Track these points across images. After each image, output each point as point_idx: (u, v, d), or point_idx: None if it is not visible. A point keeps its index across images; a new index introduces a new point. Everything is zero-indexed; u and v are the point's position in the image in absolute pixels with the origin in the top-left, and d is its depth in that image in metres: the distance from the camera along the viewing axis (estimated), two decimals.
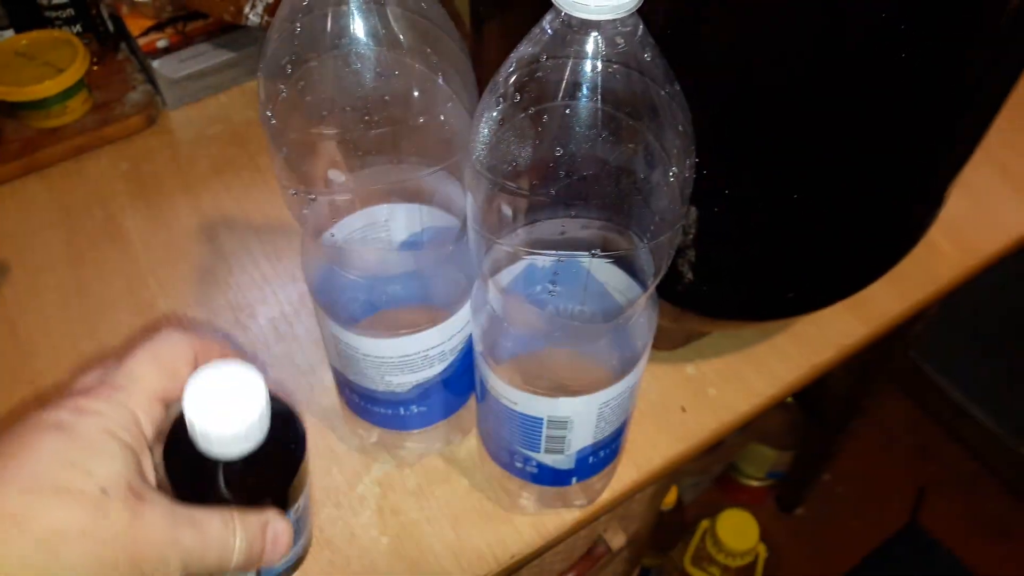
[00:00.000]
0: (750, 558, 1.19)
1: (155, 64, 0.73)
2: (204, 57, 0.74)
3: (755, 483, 1.34)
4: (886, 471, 1.44)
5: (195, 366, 0.34)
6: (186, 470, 0.34)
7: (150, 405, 0.33)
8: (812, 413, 1.22)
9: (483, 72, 0.35)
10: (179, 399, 0.33)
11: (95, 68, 0.75)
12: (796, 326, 0.61)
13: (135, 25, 0.74)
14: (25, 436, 0.30)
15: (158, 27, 0.74)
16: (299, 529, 0.39)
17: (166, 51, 0.73)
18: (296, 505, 0.38)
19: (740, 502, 1.37)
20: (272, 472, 0.36)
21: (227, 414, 0.32)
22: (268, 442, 0.34)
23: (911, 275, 0.64)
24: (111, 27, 0.77)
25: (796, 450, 1.27)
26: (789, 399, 1.27)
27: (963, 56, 0.38)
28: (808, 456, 1.27)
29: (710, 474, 1.33)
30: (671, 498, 1.13)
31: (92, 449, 0.30)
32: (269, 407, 0.33)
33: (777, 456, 1.27)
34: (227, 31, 0.74)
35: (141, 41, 0.73)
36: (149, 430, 0.33)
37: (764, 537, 1.23)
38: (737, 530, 1.17)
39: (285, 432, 0.36)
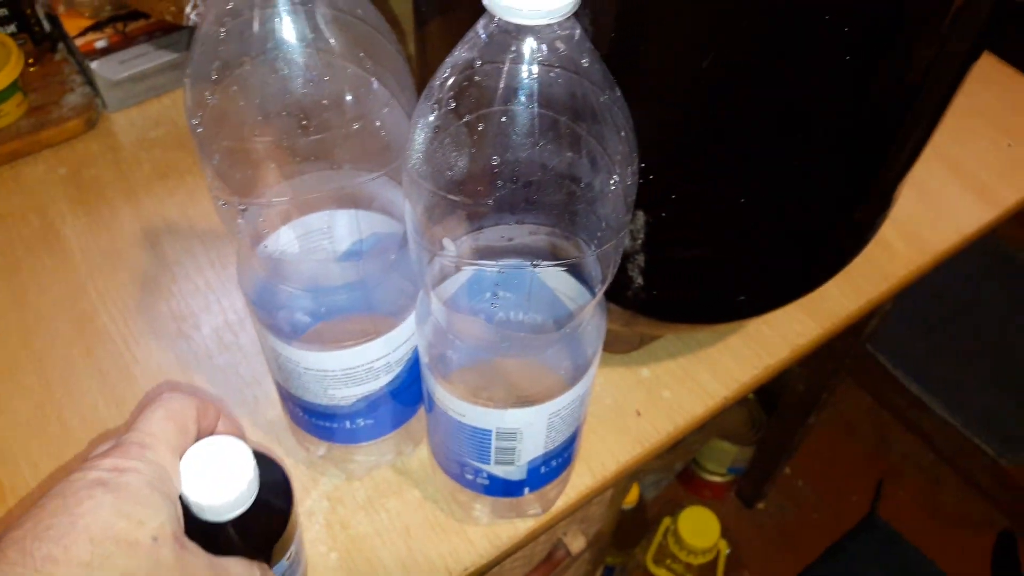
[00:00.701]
0: (712, 555, 1.19)
1: (94, 65, 0.70)
2: (145, 58, 0.72)
3: (717, 478, 1.34)
4: (846, 464, 1.46)
5: (199, 423, 0.38)
6: (188, 533, 0.38)
7: (173, 459, 0.36)
8: (771, 408, 1.23)
9: (426, 74, 0.34)
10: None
11: (31, 70, 0.73)
12: (750, 327, 0.61)
13: (73, 25, 0.72)
14: (76, 494, 0.32)
15: (97, 27, 0.71)
16: (292, 572, 0.44)
17: (105, 52, 0.71)
18: (289, 551, 0.42)
19: (702, 498, 1.37)
20: (264, 527, 0.40)
21: (217, 488, 0.36)
22: (258, 500, 0.38)
23: (864, 273, 0.64)
24: (47, 27, 0.74)
25: (757, 445, 1.28)
26: (749, 395, 1.28)
27: (907, 57, 0.38)
28: (768, 451, 1.28)
29: (672, 471, 1.33)
30: (632, 496, 1.13)
31: (140, 501, 0.33)
32: (256, 473, 0.37)
33: (738, 451, 1.28)
34: (169, 31, 0.72)
35: (79, 41, 0.71)
36: (177, 482, 0.36)
37: (726, 532, 1.23)
38: (698, 528, 1.17)
39: (274, 488, 0.40)
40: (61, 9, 0.72)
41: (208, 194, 0.67)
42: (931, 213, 0.69)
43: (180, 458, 0.37)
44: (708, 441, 1.25)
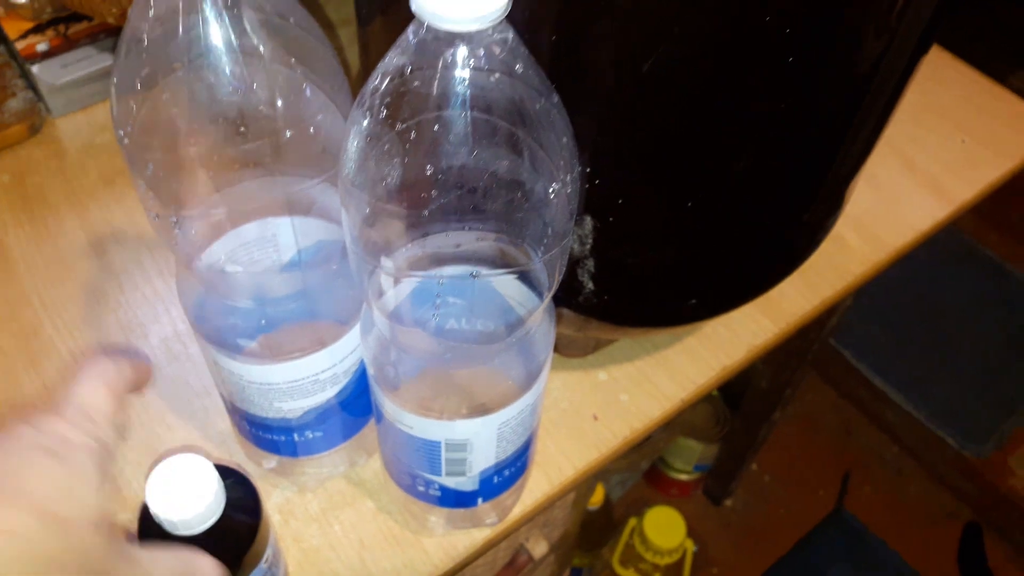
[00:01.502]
0: (678, 555, 1.19)
1: (35, 69, 0.68)
2: (89, 61, 0.70)
3: (683, 476, 1.35)
4: (811, 459, 1.47)
5: (128, 389, 0.37)
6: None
7: (113, 435, 0.35)
8: (736, 405, 1.23)
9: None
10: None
11: None
12: (707, 328, 0.61)
13: (12, 28, 0.70)
14: (22, 456, 0.31)
15: (38, 29, 0.70)
16: (274, 574, 0.45)
17: (47, 55, 0.69)
18: (266, 555, 0.43)
19: (669, 496, 1.38)
20: (234, 537, 0.41)
21: (184, 503, 0.38)
22: (227, 512, 0.40)
23: (820, 272, 0.64)
24: None
25: (722, 442, 1.28)
26: (714, 392, 1.28)
27: (853, 54, 0.37)
28: (734, 447, 1.28)
29: (638, 470, 1.33)
30: (597, 497, 1.13)
31: (86, 482, 0.32)
32: (221, 485, 0.39)
33: (704, 449, 1.28)
34: (112, 34, 0.70)
35: (19, 45, 0.69)
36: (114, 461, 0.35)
37: (693, 530, 1.24)
38: (664, 528, 1.17)
39: (241, 498, 0.41)
40: (0, 11, 0.70)
41: None
42: (886, 210, 0.69)
43: (117, 434, 0.36)
44: (674, 439, 1.25)
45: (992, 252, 1.57)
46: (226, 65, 0.31)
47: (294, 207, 0.38)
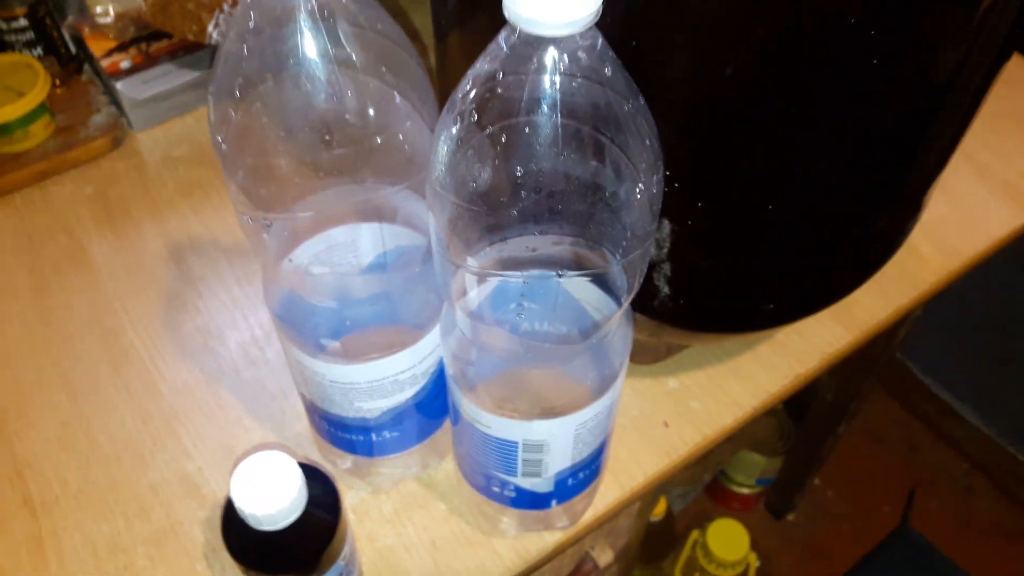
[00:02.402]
0: (741, 568, 1.18)
1: (119, 85, 0.71)
2: (169, 77, 0.72)
3: (745, 490, 1.33)
4: (876, 474, 1.44)
5: None
6: (243, 541, 0.42)
7: None
8: (800, 418, 1.21)
9: (447, 86, 0.34)
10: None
11: (58, 91, 0.73)
12: (779, 335, 0.60)
13: (97, 46, 0.73)
14: None
15: (121, 48, 0.72)
16: (349, 572, 0.46)
17: (130, 72, 0.72)
18: (343, 553, 0.44)
19: (730, 510, 1.36)
20: (315, 533, 0.42)
21: (268, 498, 0.39)
22: (308, 509, 0.41)
23: (894, 280, 0.63)
24: (73, 49, 0.75)
25: (785, 456, 1.26)
26: (778, 406, 1.26)
27: (935, 60, 0.37)
28: (797, 461, 1.26)
29: (699, 483, 1.32)
30: (660, 509, 1.12)
31: None
32: (304, 482, 0.40)
33: (766, 462, 1.26)
34: (191, 50, 0.73)
35: (104, 62, 0.72)
36: None
37: (755, 545, 1.22)
38: (727, 540, 1.16)
39: (322, 497, 0.43)
40: (87, 31, 0.73)
41: (232, 210, 0.68)
42: (961, 218, 0.68)
43: None
44: (736, 452, 1.23)
45: None
46: (320, 74, 0.32)
47: (379, 214, 0.40)
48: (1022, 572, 1.34)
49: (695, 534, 1.20)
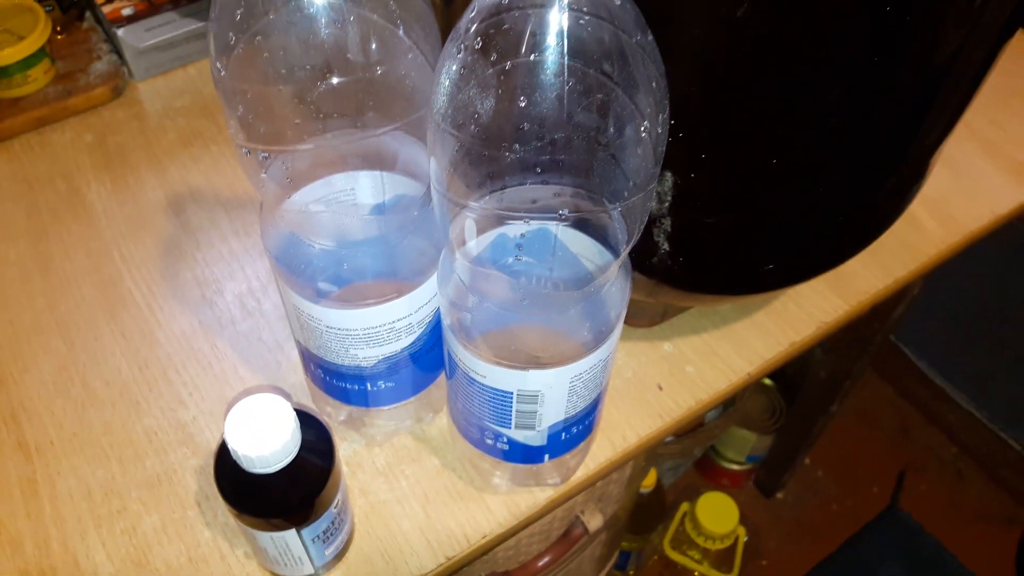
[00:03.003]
0: (730, 541, 1.18)
1: (120, 33, 0.70)
2: (171, 26, 0.72)
3: (735, 467, 1.33)
4: (866, 455, 1.44)
5: None
6: (236, 485, 0.42)
7: None
8: (792, 396, 1.22)
9: (451, 27, 0.34)
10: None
11: (58, 37, 0.73)
12: (776, 303, 0.60)
13: None
14: None
15: None
16: (342, 521, 0.46)
17: (132, 19, 0.71)
18: (336, 499, 0.44)
19: (720, 486, 1.37)
20: (308, 478, 0.42)
21: (262, 440, 0.39)
22: (302, 453, 0.41)
23: (893, 251, 0.63)
24: None
25: (776, 434, 1.26)
26: (769, 382, 1.27)
27: (943, 27, 0.37)
28: (788, 440, 1.26)
29: (690, 457, 1.32)
30: (650, 480, 1.12)
31: None
32: (298, 425, 0.40)
33: (757, 440, 1.27)
34: (195, 0, 0.72)
35: (106, 9, 0.71)
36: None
37: (744, 521, 1.22)
38: (717, 513, 1.17)
39: (316, 442, 0.42)
40: None
41: (232, 163, 0.68)
42: (963, 192, 0.68)
43: None
44: (727, 428, 1.24)
45: None
46: (325, 2, 0.31)
47: (379, 160, 0.39)
48: (1008, 556, 1.35)
49: (685, 506, 1.21)
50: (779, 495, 1.39)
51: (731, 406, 1.15)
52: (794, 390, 1.20)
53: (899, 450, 1.45)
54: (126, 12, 0.71)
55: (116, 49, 0.72)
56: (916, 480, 1.42)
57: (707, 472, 1.37)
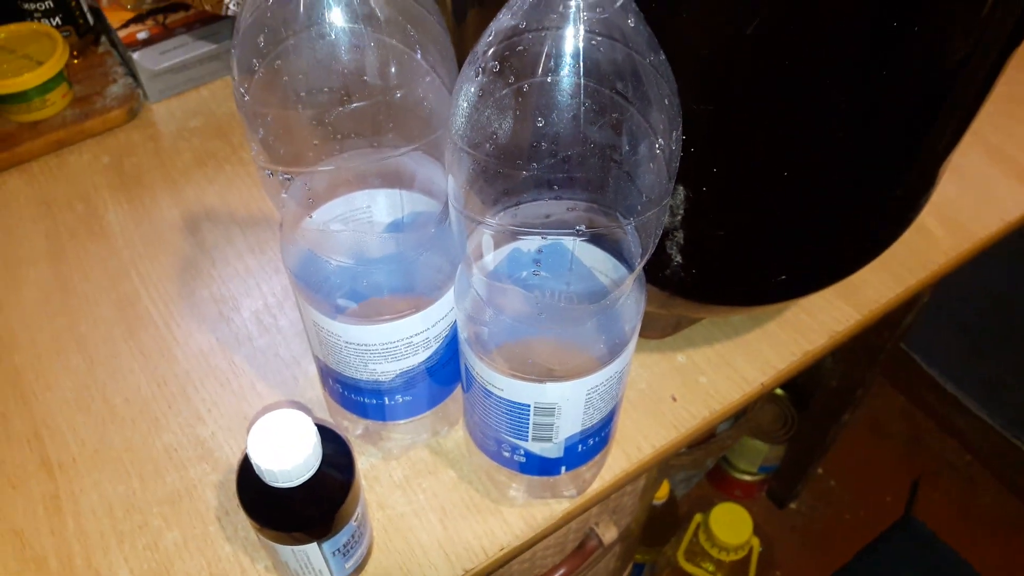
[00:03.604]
0: (744, 552, 1.18)
1: (135, 56, 0.72)
2: (185, 49, 0.73)
3: (748, 477, 1.33)
4: (879, 464, 1.44)
5: None
6: (258, 499, 0.42)
7: None
8: (804, 406, 1.22)
9: (464, 57, 0.35)
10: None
11: (75, 61, 0.74)
12: (787, 313, 0.61)
13: (115, 17, 0.73)
14: None
15: (138, 19, 0.73)
16: (361, 534, 0.46)
17: (147, 43, 0.72)
18: (355, 514, 0.44)
19: (733, 497, 1.36)
20: (328, 492, 0.43)
21: (284, 455, 0.40)
22: (323, 468, 0.41)
23: (904, 260, 0.64)
24: (91, 20, 0.76)
25: (788, 443, 1.26)
26: (780, 392, 1.27)
27: (950, 35, 0.38)
28: (800, 449, 1.26)
29: (702, 468, 1.32)
30: (663, 492, 1.13)
31: None
32: (319, 440, 0.41)
33: (769, 450, 1.27)
34: (208, 22, 0.73)
35: (121, 33, 0.72)
36: None
37: (757, 532, 1.22)
38: (730, 524, 1.17)
39: (337, 457, 0.43)
40: (104, 2, 0.74)
41: (247, 181, 0.69)
42: (972, 200, 0.68)
43: None
44: (739, 438, 1.24)
45: None
46: (345, 31, 0.32)
47: (397, 179, 0.40)
48: (1023, 564, 1.35)
49: (698, 517, 1.21)
50: (792, 505, 1.39)
51: (743, 416, 1.15)
52: (805, 399, 1.20)
53: (912, 458, 1.45)
54: (141, 36, 0.72)
55: (131, 72, 0.74)
56: (929, 488, 1.41)
57: (720, 483, 1.37)
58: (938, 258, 0.64)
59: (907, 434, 1.48)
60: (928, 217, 0.66)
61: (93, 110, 0.71)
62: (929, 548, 1.31)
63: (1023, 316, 1.46)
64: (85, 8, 0.75)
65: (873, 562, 1.31)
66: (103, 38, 0.77)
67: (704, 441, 1.11)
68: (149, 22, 0.73)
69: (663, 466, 0.81)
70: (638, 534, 0.92)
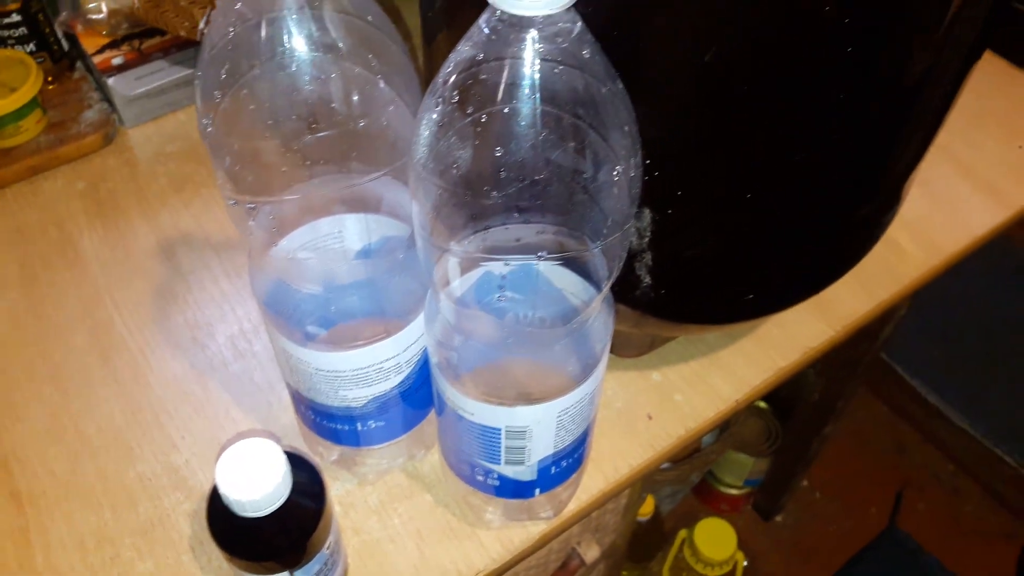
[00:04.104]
0: (728, 567, 1.18)
1: (111, 82, 0.72)
2: (161, 74, 0.73)
3: (733, 491, 1.33)
4: (864, 475, 1.45)
5: None
6: (228, 529, 0.42)
7: None
8: (787, 418, 1.22)
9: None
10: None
11: (50, 87, 0.74)
12: (761, 329, 0.61)
13: (90, 43, 0.73)
14: None
15: (113, 44, 0.73)
16: (334, 562, 0.46)
17: (122, 68, 0.72)
18: (328, 542, 0.44)
19: (719, 511, 1.37)
20: (299, 521, 0.42)
21: (253, 484, 0.39)
22: (293, 496, 0.41)
23: (875, 276, 0.64)
24: (66, 45, 0.76)
25: (773, 456, 1.27)
26: (764, 405, 1.27)
27: (909, 52, 0.38)
28: (785, 462, 1.27)
29: (688, 483, 1.32)
30: (648, 508, 1.13)
31: None
32: (288, 469, 0.41)
33: (754, 463, 1.27)
34: (184, 47, 0.74)
35: (96, 59, 0.72)
36: None
37: (743, 545, 1.22)
38: (715, 539, 1.17)
39: (307, 485, 0.43)
40: (79, 28, 0.74)
41: (223, 206, 0.69)
42: (942, 215, 0.69)
43: None
44: (724, 452, 1.24)
45: None
46: (306, 61, 0.32)
47: (364, 204, 0.40)
48: (1008, 572, 1.35)
49: (683, 533, 1.21)
50: (778, 518, 1.39)
51: (726, 430, 1.15)
52: (789, 412, 1.21)
53: (896, 469, 1.46)
54: (116, 62, 0.72)
55: (107, 97, 0.74)
56: (914, 499, 1.42)
57: (706, 497, 1.37)
58: (910, 273, 0.65)
59: (891, 445, 1.49)
60: (899, 233, 0.67)
61: (68, 136, 0.71)
62: (914, 559, 1.32)
63: (1002, 325, 1.47)
64: (60, 34, 0.75)
65: (859, 574, 1.31)
66: (78, 64, 0.77)
67: (688, 456, 1.11)
68: (124, 47, 0.73)
69: (647, 482, 0.81)
70: (623, 551, 0.92)
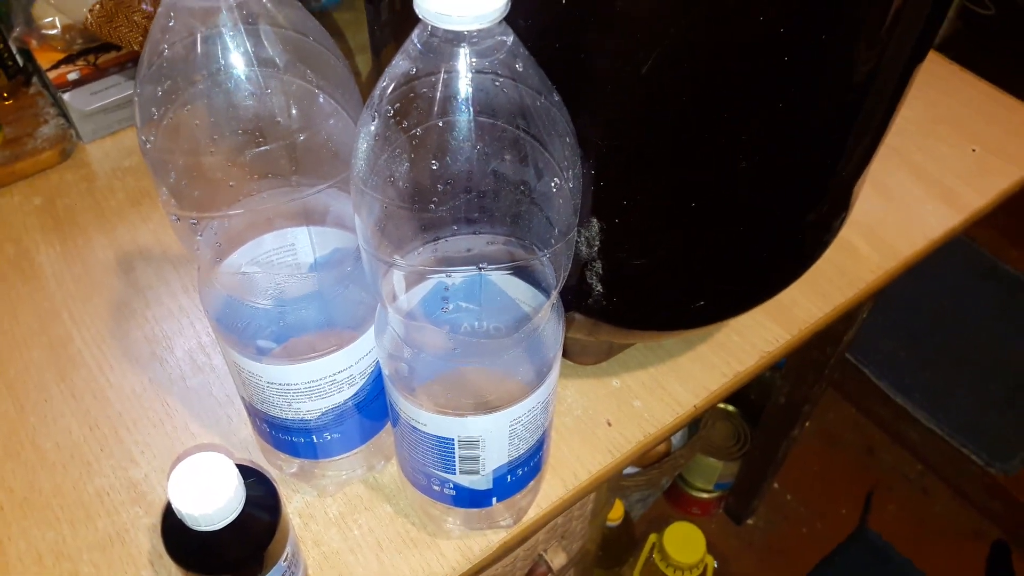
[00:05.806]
0: (699, 571, 1.19)
1: (66, 97, 0.71)
2: (117, 89, 0.73)
3: (704, 495, 1.34)
4: (834, 476, 1.46)
5: None
6: (183, 543, 0.42)
7: None
8: (755, 422, 1.23)
9: None
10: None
11: (5, 103, 0.73)
12: (719, 335, 0.62)
13: (45, 58, 0.73)
14: None
15: (69, 59, 0.72)
16: (293, 574, 0.46)
17: (77, 83, 0.72)
18: (285, 553, 0.44)
19: (690, 515, 1.37)
20: (254, 533, 0.42)
21: (206, 498, 0.39)
22: (247, 509, 0.41)
23: (832, 279, 0.65)
24: (20, 61, 0.75)
25: (743, 460, 1.28)
26: (732, 408, 1.28)
27: (849, 55, 0.39)
28: (755, 465, 1.27)
29: (657, 488, 1.33)
30: (617, 513, 1.13)
31: None
32: (241, 481, 0.41)
33: (724, 467, 1.28)
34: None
35: (52, 74, 0.72)
36: None
37: (716, 549, 1.23)
38: (684, 543, 1.17)
39: (261, 497, 0.43)
40: (34, 43, 0.73)
41: None
42: (897, 219, 0.70)
43: None
44: (693, 456, 1.25)
45: (1012, 268, 1.56)
46: (244, 76, 0.32)
47: (311, 217, 0.40)
48: (977, 570, 1.37)
49: (652, 538, 1.21)
50: (749, 521, 1.40)
51: (695, 434, 1.16)
52: (758, 415, 1.21)
53: (866, 470, 1.47)
54: (72, 77, 0.71)
55: (63, 113, 0.73)
56: (884, 499, 1.43)
57: (677, 502, 1.38)
58: (866, 276, 0.66)
59: (860, 446, 1.50)
60: (854, 236, 0.68)
61: (24, 152, 0.71)
62: (884, 559, 1.33)
63: (966, 325, 1.49)
64: (14, 50, 0.74)
65: (831, 574, 1.32)
66: (34, 79, 0.76)
67: (658, 460, 1.11)
68: (80, 62, 0.72)
69: (614, 487, 0.81)
70: (594, 556, 0.92)
